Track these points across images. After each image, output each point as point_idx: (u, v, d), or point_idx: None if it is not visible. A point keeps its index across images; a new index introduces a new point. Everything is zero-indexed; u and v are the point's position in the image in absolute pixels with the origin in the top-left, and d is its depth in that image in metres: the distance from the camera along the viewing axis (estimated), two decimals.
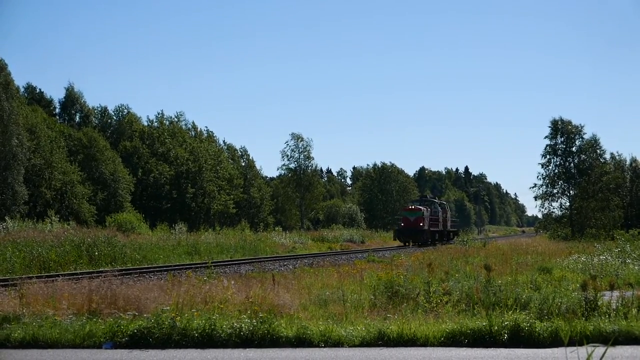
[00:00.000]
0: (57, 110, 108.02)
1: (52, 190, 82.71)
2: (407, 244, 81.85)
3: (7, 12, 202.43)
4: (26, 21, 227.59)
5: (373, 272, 27.06)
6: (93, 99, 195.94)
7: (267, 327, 14.83)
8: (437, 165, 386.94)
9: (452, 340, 14.35)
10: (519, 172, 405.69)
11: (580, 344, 12.73)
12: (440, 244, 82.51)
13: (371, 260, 40.84)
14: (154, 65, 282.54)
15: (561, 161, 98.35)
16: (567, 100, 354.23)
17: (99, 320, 16.12)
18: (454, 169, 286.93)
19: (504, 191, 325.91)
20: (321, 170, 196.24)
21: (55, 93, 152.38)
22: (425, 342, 14.29)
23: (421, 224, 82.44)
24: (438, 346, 14.12)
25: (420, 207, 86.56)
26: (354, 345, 14.22)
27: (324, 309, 18.40)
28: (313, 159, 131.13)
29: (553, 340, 13.96)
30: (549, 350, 13.41)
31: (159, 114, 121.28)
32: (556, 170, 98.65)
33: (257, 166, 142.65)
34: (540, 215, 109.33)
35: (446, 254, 40.61)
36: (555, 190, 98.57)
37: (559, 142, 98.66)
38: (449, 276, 22.79)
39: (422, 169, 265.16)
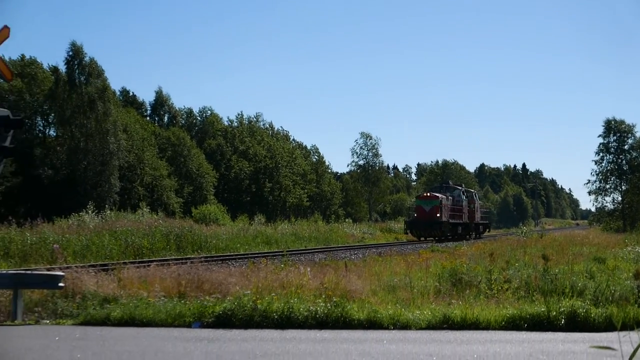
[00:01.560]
0: (148, 112, 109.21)
1: (144, 184, 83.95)
2: (421, 238, 65.10)
3: (106, 24, 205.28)
4: (121, 30, 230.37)
5: (437, 261, 26.96)
6: (179, 101, 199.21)
7: (340, 310, 14.87)
8: (496, 162, 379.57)
9: (512, 324, 14.28)
10: (573, 168, 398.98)
11: (633, 329, 12.58)
12: (465, 239, 67.69)
13: (435, 250, 40.64)
14: (234, 68, 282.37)
15: (614, 158, 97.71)
16: (619, 100, 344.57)
17: (187, 302, 16.31)
18: (512, 166, 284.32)
19: (559, 186, 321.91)
20: (388, 166, 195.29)
21: (147, 96, 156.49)
22: (487, 326, 14.24)
23: (438, 215, 64.68)
24: (499, 329, 14.06)
25: (437, 194, 68.45)
26: (421, 328, 14.23)
27: (392, 294, 18.40)
28: (381, 156, 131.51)
29: (608, 325, 13.83)
30: (603, 335, 13.29)
31: (239, 114, 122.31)
32: (609, 167, 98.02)
33: (327, 162, 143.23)
34: (593, 209, 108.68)
35: (506, 245, 40.38)
36: (607, 186, 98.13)
37: (612, 140, 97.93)
38: (509, 265, 22.59)
39: (482, 165, 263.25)
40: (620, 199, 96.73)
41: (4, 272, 18.70)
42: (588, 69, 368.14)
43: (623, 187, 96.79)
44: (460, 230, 72.02)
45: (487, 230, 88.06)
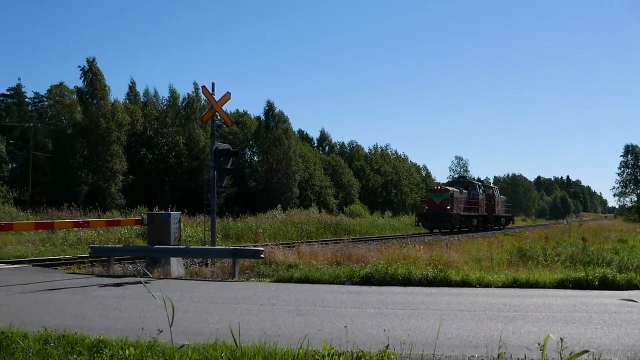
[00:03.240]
0: (315, 144, 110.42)
1: (314, 192, 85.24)
2: (434, 230, 47.98)
3: (291, 85, 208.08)
4: (300, 88, 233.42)
5: (509, 241, 26.33)
6: (336, 136, 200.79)
7: (443, 274, 14.66)
8: (548, 173, 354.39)
9: (561, 284, 13.81)
10: (603, 177, 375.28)
11: None
12: (483, 230, 52.46)
13: (507, 234, 39.54)
14: (372, 109, 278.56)
15: (631, 171, 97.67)
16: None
17: (341, 268, 16.39)
18: (560, 177, 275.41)
19: (593, 190, 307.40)
20: (474, 179, 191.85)
21: (314, 133, 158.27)
22: (543, 285, 13.82)
23: (448, 207, 46.89)
24: (552, 288, 13.62)
25: (448, 187, 50.66)
26: (498, 287, 13.91)
27: (478, 264, 18.05)
28: (469, 171, 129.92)
29: (629, 285, 13.26)
30: (625, 292, 12.68)
31: (375, 145, 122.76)
32: (628, 178, 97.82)
33: (433, 176, 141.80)
34: (617, 206, 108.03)
35: (556, 231, 39.05)
36: (627, 190, 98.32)
37: (630, 159, 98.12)
38: (559, 244, 21.92)
39: (539, 177, 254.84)
40: (636, 199, 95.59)
41: (227, 247, 19.20)
42: (614, 94, 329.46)
43: (638, 191, 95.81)
44: (476, 222, 53.20)
45: (511, 222, 67.34)
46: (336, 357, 5.97)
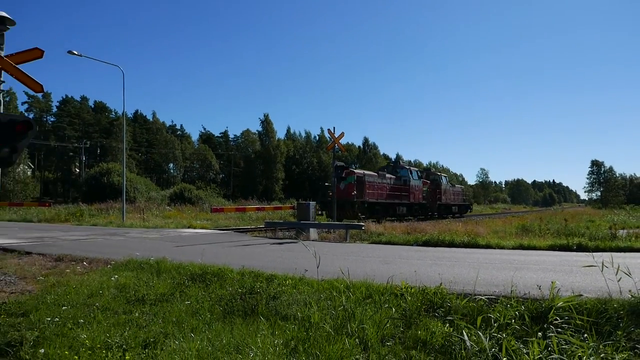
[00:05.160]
0: (393, 162, 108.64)
1: None
2: (343, 220, 23.46)
3: (380, 122, 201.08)
4: (382, 124, 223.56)
5: (515, 221, 24.74)
6: (406, 155, 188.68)
7: (474, 240, 13.95)
8: (541, 177, 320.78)
9: (551, 248, 12.77)
10: (578, 180, 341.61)
11: (607, 252, 10.94)
12: (426, 219, 29.91)
13: (514, 216, 37.16)
14: (429, 138, 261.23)
15: (596, 177, 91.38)
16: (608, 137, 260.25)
17: (410, 235, 15.97)
18: (548, 180, 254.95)
19: (570, 189, 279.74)
20: (492, 181, 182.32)
21: (392, 155, 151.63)
22: (539, 248, 12.84)
23: (353, 193, 24.34)
24: (545, 250, 12.62)
25: (357, 171, 25.87)
26: (509, 248, 13.06)
27: (496, 234, 16.99)
28: (489, 177, 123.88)
29: (596, 249, 12.05)
30: (592, 253, 11.55)
31: (430, 161, 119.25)
32: (594, 180, 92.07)
33: (467, 180, 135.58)
34: (587, 198, 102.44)
35: (547, 214, 36.13)
36: (593, 188, 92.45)
37: (594, 169, 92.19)
38: (549, 222, 20.35)
39: (534, 180, 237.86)
40: (599, 194, 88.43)
41: (342, 223, 19.20)
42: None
43: (600, 189, 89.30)
44: (405, 210, 29.88)
45: (469, 210, 44.43)
46: (410, 289, 5.85)
